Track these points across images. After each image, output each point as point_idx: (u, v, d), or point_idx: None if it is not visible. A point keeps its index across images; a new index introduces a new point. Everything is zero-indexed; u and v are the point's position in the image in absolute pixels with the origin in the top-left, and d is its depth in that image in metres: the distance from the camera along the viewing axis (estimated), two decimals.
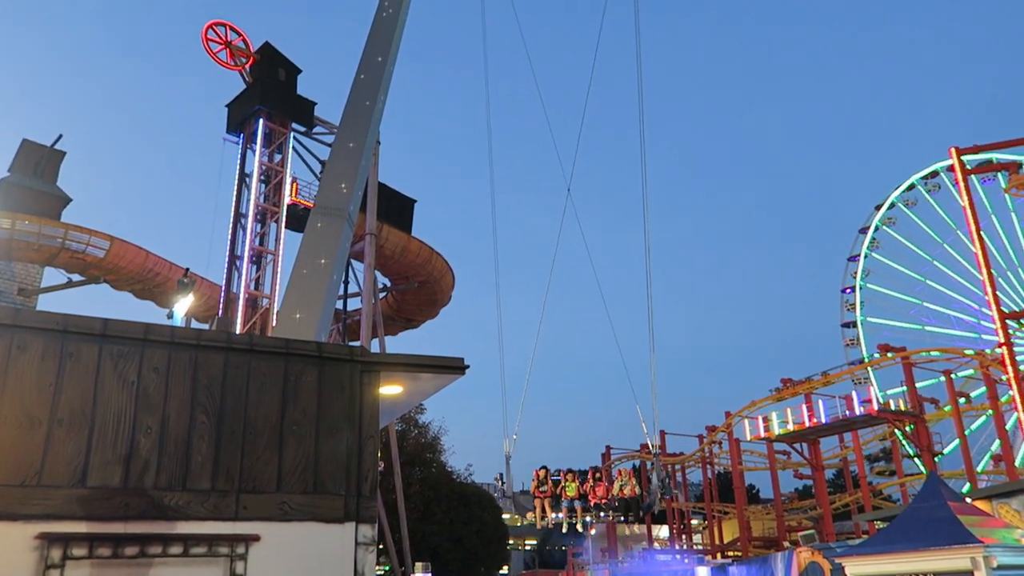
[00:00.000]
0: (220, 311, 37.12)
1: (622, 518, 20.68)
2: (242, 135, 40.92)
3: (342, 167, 21.36)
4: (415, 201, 48.28)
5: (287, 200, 39.55)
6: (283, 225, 39.18)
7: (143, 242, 44.19)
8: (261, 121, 39.66)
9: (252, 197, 38.73)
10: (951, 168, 61.88)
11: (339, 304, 41.15)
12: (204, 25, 40.56)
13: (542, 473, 20.37)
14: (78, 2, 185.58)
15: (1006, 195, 57.91)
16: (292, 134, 41.38)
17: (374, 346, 40.49)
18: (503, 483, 20.69)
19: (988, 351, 45.81)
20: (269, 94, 40.72)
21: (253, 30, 43.21)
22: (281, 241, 38.77)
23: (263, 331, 35.55)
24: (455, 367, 7.29)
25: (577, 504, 20.06)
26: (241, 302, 36.26)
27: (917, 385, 45.43)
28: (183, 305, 18.63)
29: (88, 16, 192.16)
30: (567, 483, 20.28)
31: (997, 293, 41.53)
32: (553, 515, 20.17)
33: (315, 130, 42.73)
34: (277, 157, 40.53)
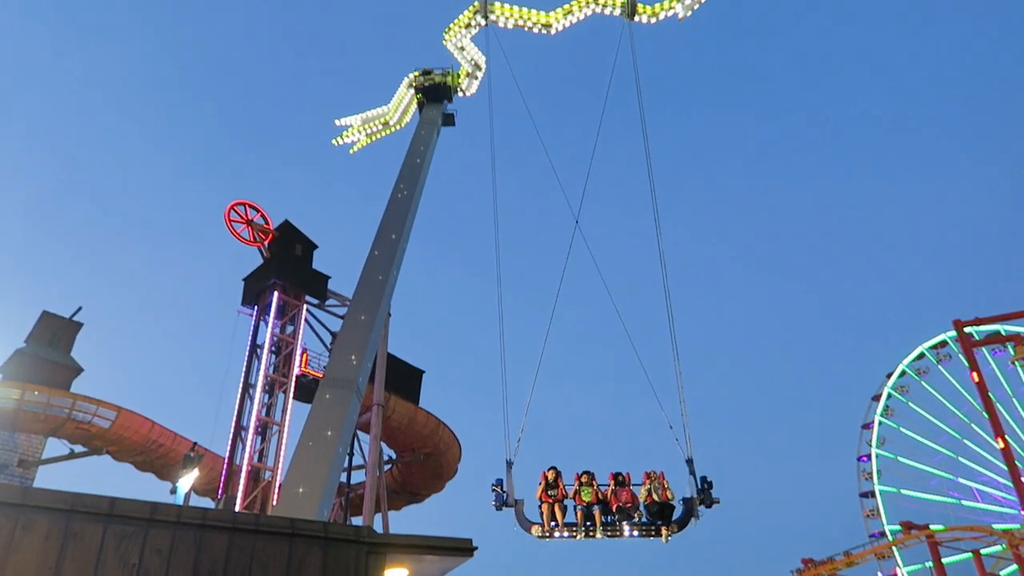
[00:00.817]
0: (222, 485, 36.33)
1: (654, 527, 16.12)
2: (256, 307, 41.95)
3: (353, 339, 21.74)
4: (423, 372, 48.47)
5: (296, 371, 39.85)
6: (291, 396, 39.23)
7: (150, 412, 44.08)
8: (276, 294, 40.78)
9: (262, 368, 39.08)
10: (959, 339, 62.59)
11: (342, 477, 40.27)
12: (228, 205, 42.78)
13: (551, 474, 16.90)
14: (96, 187, 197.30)
15: (1015, 364, 57.96)
16: (305, 306, 42.40)
17: (377, 522, 39.15)
18: (503, 490, 16.56)
19: (1017, 527, 43.97)
20: (285, 269, 42.16)
21: (272, 206, 45.53)
22: (288, 412, 38.66)
23: (264, 505, 34.61)
24: (463, 549, 7.11)
25: (596, 509, 16.24)
26: (243, 475, 35.57)
27: (944, 561, 43.26)
28: (188, 480, 18.35)
29: (107, 197, 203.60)
30: (582, 486, 16.59)
31: (1016, 463, 40.50)
32: (564, 525, 16.27)
33: (328, 302, 43.79)
34: (289, 329, 41.29)
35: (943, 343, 64.31)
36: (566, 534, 16.05)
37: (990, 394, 53.95)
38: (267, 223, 43.86)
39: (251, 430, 36.99)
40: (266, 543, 6.35)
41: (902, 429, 65.15)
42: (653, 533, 16.04)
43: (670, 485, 16.51)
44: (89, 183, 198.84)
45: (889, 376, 66.60)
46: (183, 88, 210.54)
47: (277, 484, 35.31)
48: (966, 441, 62.17)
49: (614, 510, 16.26)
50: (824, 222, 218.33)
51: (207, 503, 42.85)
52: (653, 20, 29.28)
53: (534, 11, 30.05)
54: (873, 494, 63.40)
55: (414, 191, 26.97)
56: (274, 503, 33.19)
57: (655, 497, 16.27)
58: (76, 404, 40.77)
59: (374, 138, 37.65)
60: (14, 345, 47.23)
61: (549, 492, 16.58)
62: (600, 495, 16.47)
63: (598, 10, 29.57)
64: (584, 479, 16.71)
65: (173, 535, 6.10)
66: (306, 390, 39.24)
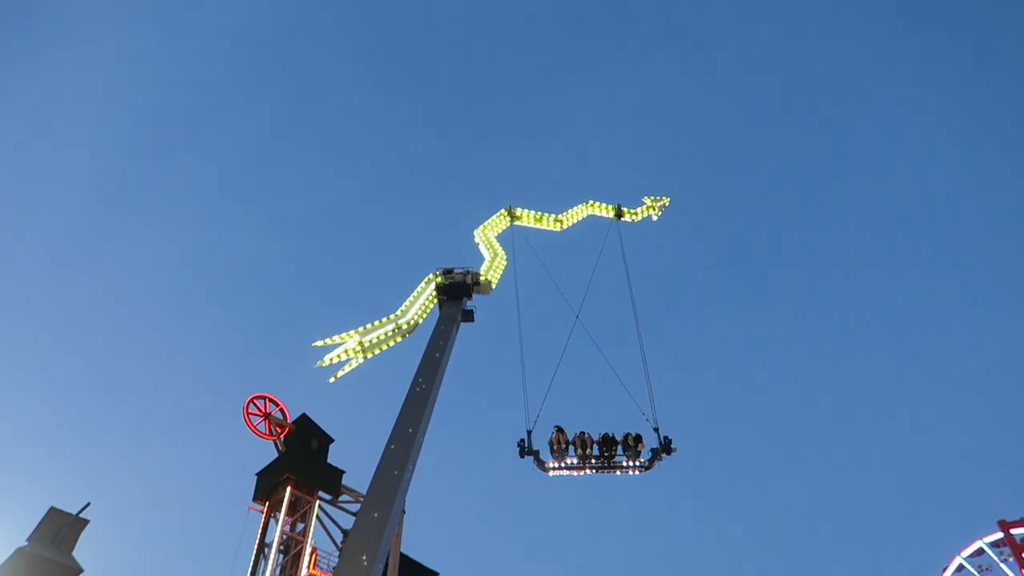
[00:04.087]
0: None
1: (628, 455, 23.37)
2: (268, 503, 40.94)
3: (364, 538, 20.92)
4: (438, 574, 46.14)
5: (305, 572, 38.06)
6: None
7: None
8: (288, 490, 39.93)
9: (269, 568, 37.42)
10: (997, 543, 58.76)
11: None
12: (247, 399, 43.01)
13: (558, 428, 24.05)
14: (118, 380, 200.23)
15: None
16: (318, 503, 41.32)
17: None
18: (526, 443, 23.44)
19: None
20: (300, 463, 41.60)
21: (288, 398, 45.52)
22: None
23: None
24: None
25: (589, 453, 23.38)
26: None
27: None
28: None
29: (128, 388, 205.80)
30: (579, 436, 23.77)
31: None
32: (564, 464, 23.38)
33: (341, 498, 42.71)
34: (300, 526, 39.99)
35: (980, 551, 60.20)
36: (565, 465, 23.16)
37: None
38: (285, 417, 43.84)
39: None
40: None
41: None
42: (629, 460, 23.15)
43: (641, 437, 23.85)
44: (110, 374, 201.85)
45: None
46: (198, 280, 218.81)
47: None
48: None
49: (601, 443, 23.48)
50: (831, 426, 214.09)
51: None
52: (635, 219, 38.46)
53: (548, 214, 37.84)
54: None
55: (432, 385, 27.11)
56: None
57: (629, 440, 23.55)
58: None
59: (372, 352, 33.42)
60: (16, 543, 45.84)
61: (557, 438, 23.61)
62: (591, 441, 23.66)
63: (594, 213, 38.03)
64: (580, 433, 23.80)
65: None
66: None
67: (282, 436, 43.27)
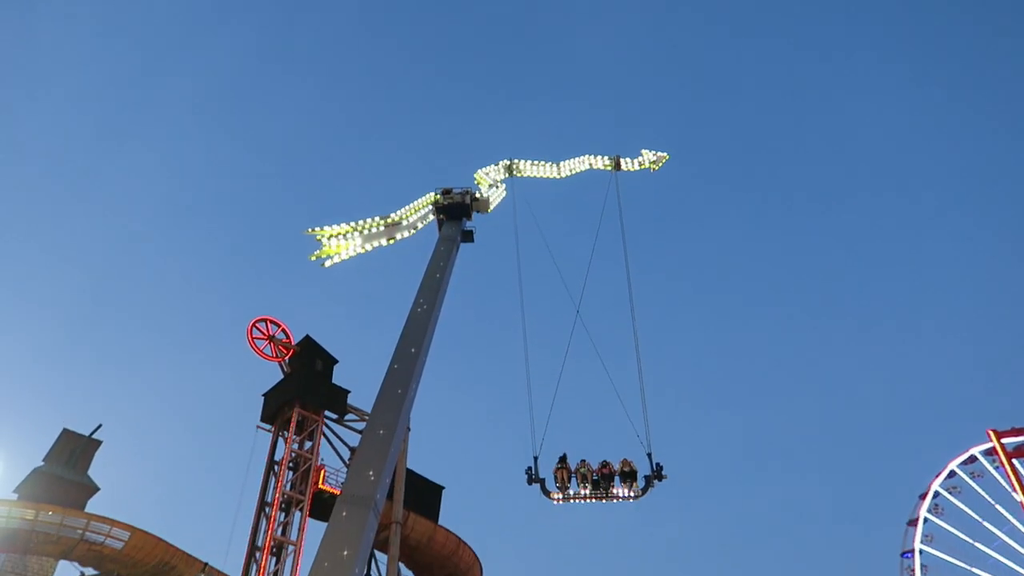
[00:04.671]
0: None
1: (625, 486, 24.88)
2: (275, 423, 41.75)
3: (371, 454, 21.37)
4: (443, 488, 47.45)
5: (314, 487, 39.16)
6: (307, 514, 38.41)
7: (164, 530, 43.09)
8: (295, 410, 40.65)
9: (279, 484, 38.49)
10: (989, 451, 60.47)
11: None
12: (250, 321, 43.35)
13: (563, 457, 25.46)
14: (125, 302, 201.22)
15: None
16: (324, 422, 42.13)
17: None
18: (533, 471, 24.89)
19: None
20: (305, 384, 42.20)
21: (291, 319, 45.93)
22: (304, 531, 37.74)
23: None
24: None
25: (590, 481, 24.97)
26: None
27: None
28: None
29: (135, 311, 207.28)
30: (581, 465, 25.21)
31: None
32: (571, 490, 24.80)
33: (347, 417, 43.53)
34: (308, 444, 40.91)
35: (972, 458, 62.01)
36: (571, 494, 24.63)
37: None
38: (288, 339, 44.24)
39: (265, 550, 36.04)
40: None
41: (943, 555, 62.06)
42: (624, 492, 24.67)
43: (637, 467, 25.16)
44: (118, 298, 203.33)
45: (923, 498, 64.03)
46: (208, 202, 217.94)
47: None
48: (1010, 562, 59.02)
49: (600, 477, 24.87)
50: (849, 317, 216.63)
51: None
52: (633, 168, 38.87)
53: (547, 162, 38.09)
54: None
55: (433, 305, 27.23)
56: None
57: (625, 468, 24.96)
58: (90, 524, 40.05)
59: (368, 246, 32.47)
60: (33, 463, 47.10)
61: (560, 467, 25.07)
62: (591, 471, 25.02)
63: (594, 167, 38.52)
64: (582, 463, 25.19)
65: None
66: (324, 507, 38.43)
67: (287, 358, 43.76)
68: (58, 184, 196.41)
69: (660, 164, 39.54)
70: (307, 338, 44.88)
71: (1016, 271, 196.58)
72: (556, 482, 24.98)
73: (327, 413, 42.65)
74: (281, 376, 43.78)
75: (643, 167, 39.17)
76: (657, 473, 25.28)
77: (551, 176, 37.70)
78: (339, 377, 44.73)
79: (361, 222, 32.07)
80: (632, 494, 24.85)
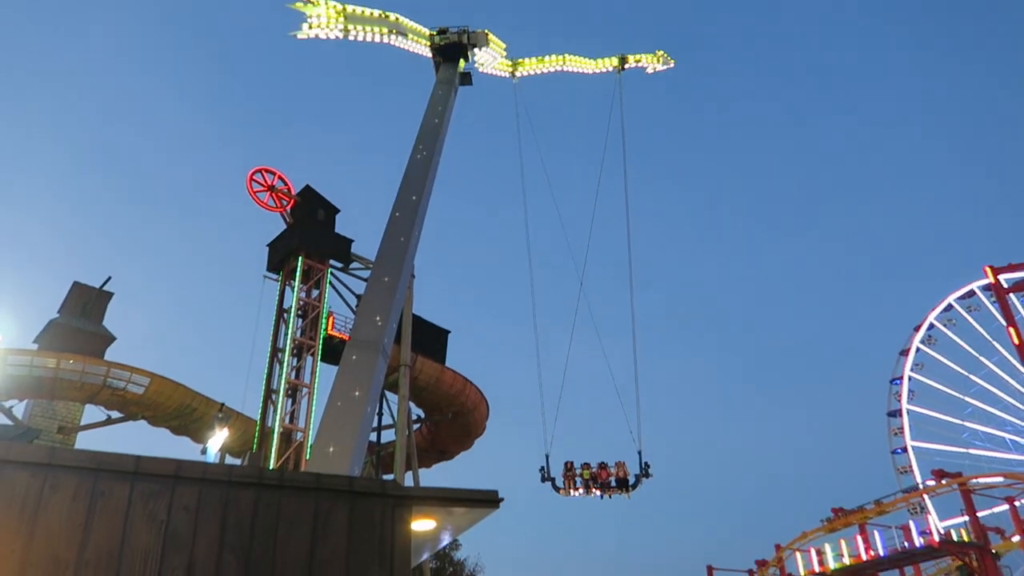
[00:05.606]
0: (255, 446, 36.99)
1: (621, 489, 30.58)
2: (282, 273, 42.18)
3: (377, 300, 21.73)
4: (449, 332, 48.70)
5: (323, 333, 40.16)
6: (318, 358, 39.62)
7: (182, 377, 44.87)
8: (300, 259, 40.92)
9: (289, 332, 39.44)
10: (988, 287, 61.41)
11: (373, 436, 40.81)
12: (249, 171, 42.75)
13: (568, 464, 31.34)
14: (120, 157, 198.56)
15: None
16: (330, 270, 42.53)
17: (408, 479, 39.72)
18: (546, 470, 30.98)
19: None
20: (308, 234, 42.20)
21: (293, 172, 45.46)
22: (316, 374, 39.09)
23: (296, 465, 35.21)
24: (489, 500, 7.10)
25: (591, 484, 30.73)
26: (276, 436, 36.18)
27: (978, 514, 42.97)
28: (217, 440, 18.61)
29: (131, 166, 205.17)
30: (584, 471, 30.87)
31: None
32: (574, 493, 30.82)
33: (352, 266, 43.90)
34: (315, 293, 41.52)
35: (971, 292, 63.13)
36: (577, 494, 30.78)
37: (1022, 341, 53.02)
38: (288, 188, 43.80)
39: (281, 392, 37.52)
40: (292, 498, 6.38)
41: (932, 383, 64.44)
42: (621, 491, 30.36)
43: (629, 470, 30.88)
44: (114, 153, 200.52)
45: (917, 329, 65.66)
46: (205, 58, 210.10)
47: (308, 444, 35.85)
48: (996, 390, 61.44)
49: (600, 481, 30.66)
50: (844, 164, 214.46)
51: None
52: (632, 65, 39.98)
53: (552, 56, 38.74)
54: (905, 449, 62.98)
55: (433, 151, 26.71)
56: (307, 461, 33.73)
57: (620, 474, 30.72)
58: (110, 372, 41.55)
59: (351, 29, 31.07)
60: (47, 315, 48.16)
61: (567, 473, 31.09)
62: (593, 474, 30.82)
63: (598, 69, 39.33)
64: (585, 466, 31.09)
65: (200, 492, 6.14)
66: (334, 352, 39.58)
67: (288, 208, 43.50)
68: (71, 16, 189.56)
69: (664, 65, 40.91)
70: (307, 188, 44.42)
71: (1018, 106, 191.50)
72: (564, 479, 30.99)
73: (332, 262, 42.96)
74: (284, 227, 43.75)
75: (650, 62, 40.54)
76: (645, 471, 30.51)
77: (555, 65, 38.49)
78: (342, 227, 44.74)
79: (352, 7, 31.65)
80: (626, 494, 30.67)
